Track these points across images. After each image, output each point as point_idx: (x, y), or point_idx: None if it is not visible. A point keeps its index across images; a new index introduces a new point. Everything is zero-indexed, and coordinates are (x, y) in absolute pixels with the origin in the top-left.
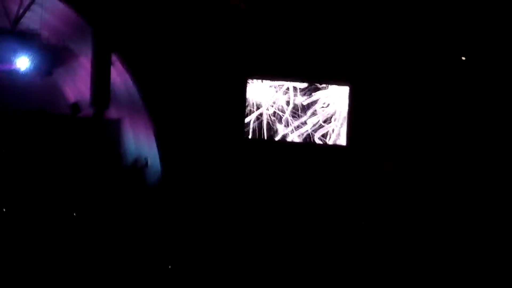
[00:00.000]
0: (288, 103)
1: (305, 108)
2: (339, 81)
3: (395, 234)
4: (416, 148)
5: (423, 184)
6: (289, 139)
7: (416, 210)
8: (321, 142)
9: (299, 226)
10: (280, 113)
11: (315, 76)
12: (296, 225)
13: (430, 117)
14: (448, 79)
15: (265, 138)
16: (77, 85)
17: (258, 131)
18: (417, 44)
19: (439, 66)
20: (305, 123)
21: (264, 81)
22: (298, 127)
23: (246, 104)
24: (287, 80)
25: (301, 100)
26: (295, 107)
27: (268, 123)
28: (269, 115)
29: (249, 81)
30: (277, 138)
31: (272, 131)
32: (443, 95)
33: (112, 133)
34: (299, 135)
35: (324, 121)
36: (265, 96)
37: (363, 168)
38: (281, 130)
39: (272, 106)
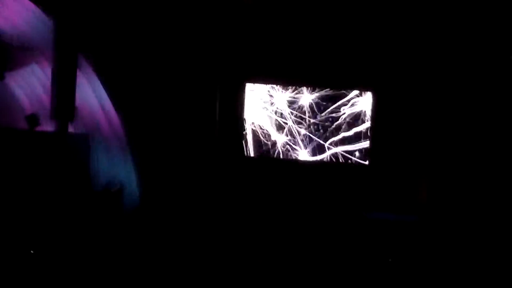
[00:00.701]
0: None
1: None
2: (359, 87)
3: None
4: (461, 173)
5: (470, 220)
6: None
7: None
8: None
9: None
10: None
11: (332, 82)
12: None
13: (481, 133)
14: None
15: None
16: (35, 92)
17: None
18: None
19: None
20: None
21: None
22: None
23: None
24: (295, 85)
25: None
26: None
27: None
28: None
29: (249, 85)
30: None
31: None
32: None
33: (78, 151)
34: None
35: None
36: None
37: (387, 195)
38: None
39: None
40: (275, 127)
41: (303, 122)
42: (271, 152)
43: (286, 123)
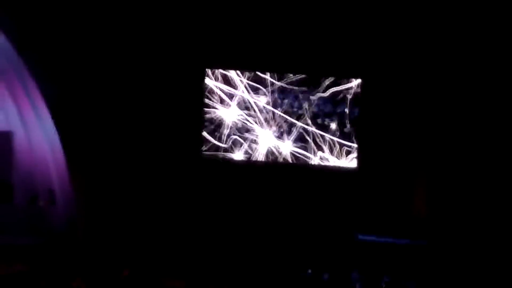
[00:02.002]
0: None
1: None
2: (342, 74)
3: None
4: (465, 179)
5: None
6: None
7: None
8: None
9: None
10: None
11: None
12: None
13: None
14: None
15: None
16: None
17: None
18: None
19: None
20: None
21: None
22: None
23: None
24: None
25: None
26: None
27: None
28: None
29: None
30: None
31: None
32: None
33: None
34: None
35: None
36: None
37: (378, 206)
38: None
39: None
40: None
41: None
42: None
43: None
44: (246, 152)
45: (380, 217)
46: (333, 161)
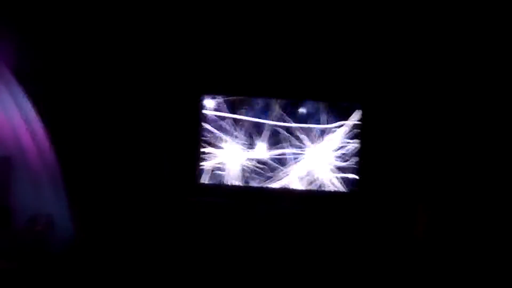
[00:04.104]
0: None
1: None
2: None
3: None
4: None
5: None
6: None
7: None
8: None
9: None
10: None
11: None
12: None
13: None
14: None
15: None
16: None
17: None
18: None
19: None
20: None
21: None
22: None
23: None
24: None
25: None
26: None
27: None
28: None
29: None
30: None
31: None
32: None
33: None
34: None
35: None
36: None
37: (378, 228)
38: None
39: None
40: None
41: None
42: None
43: None
44: None
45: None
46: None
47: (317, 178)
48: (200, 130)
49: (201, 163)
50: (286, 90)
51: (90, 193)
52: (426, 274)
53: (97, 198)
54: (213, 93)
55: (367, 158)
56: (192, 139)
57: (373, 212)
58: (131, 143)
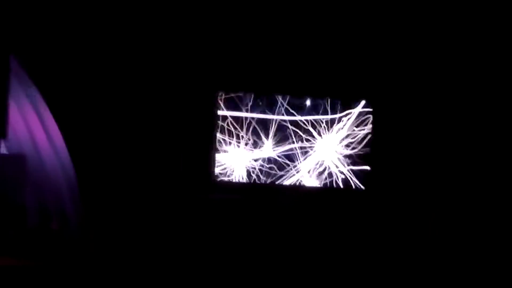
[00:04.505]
0: None
1: None
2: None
3: None
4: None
5: None
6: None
7: None
8: None
9: None
10: None
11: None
12: None
13: None
14: None
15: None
16: None
17: None
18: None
19: None
20: None
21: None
22: None
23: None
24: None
25: None
26: None
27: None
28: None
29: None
30: None
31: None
32: None
33: (10, 177)
34: None
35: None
36: None
37: (389, 224)
38: None
39: None
40: None
41: None
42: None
43: None
44: None
45: None
46: None
47: (329, 170)
48: (215, 127)
49: (216, 160)
50: (295, 87)
51: (105, 191)
52: (436, 271)
53: (112, 196)
54: (228, 90)
55: (379, 148)
56: (207, 136)
57: (384, 208)
58: (145, 141)
